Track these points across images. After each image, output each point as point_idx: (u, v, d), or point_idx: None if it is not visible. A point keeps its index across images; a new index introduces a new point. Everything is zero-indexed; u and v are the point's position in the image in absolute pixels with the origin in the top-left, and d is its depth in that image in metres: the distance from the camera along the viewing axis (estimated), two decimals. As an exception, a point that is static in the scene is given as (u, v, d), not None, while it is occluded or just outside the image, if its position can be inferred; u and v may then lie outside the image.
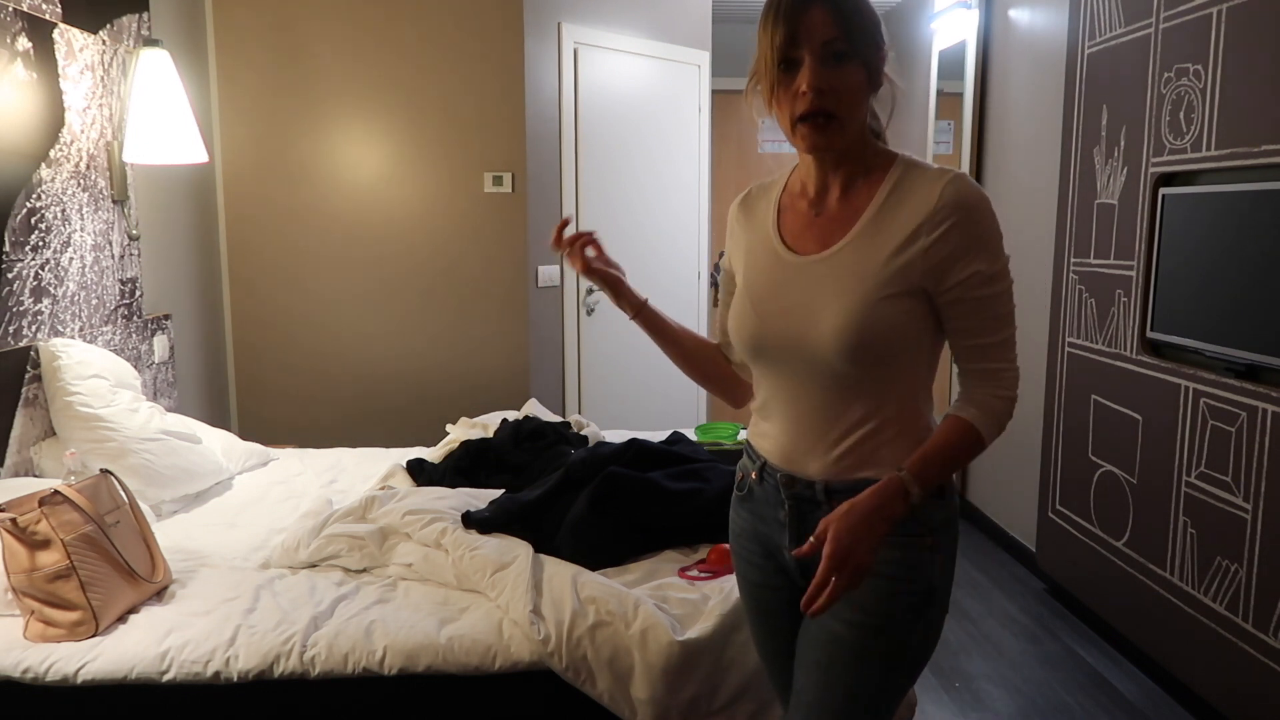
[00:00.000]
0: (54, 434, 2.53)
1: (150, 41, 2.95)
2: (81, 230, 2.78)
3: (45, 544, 1.84)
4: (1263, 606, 2.20)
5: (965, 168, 3.99)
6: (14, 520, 1.83)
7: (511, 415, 3.11)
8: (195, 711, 1.78)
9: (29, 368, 2.50)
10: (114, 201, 2.95)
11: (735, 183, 5.76)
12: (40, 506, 1.85)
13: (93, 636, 1.83)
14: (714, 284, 5.60)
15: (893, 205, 1.24)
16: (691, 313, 4.70)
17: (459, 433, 3.06)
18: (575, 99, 4.02)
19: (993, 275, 1.22)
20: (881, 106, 1.30)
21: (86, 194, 2.81)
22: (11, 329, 2.47)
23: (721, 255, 5.99)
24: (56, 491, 1.90)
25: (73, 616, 1.82)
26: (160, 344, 3.24)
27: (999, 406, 1.25)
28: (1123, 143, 2.78)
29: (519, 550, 2.03)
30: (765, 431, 1.36)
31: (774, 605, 1.42)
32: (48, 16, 2.62)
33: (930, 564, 1.26)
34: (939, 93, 4.37)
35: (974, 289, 1.21)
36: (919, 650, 1.30)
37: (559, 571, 1.96)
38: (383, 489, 2.46)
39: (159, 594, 2.01)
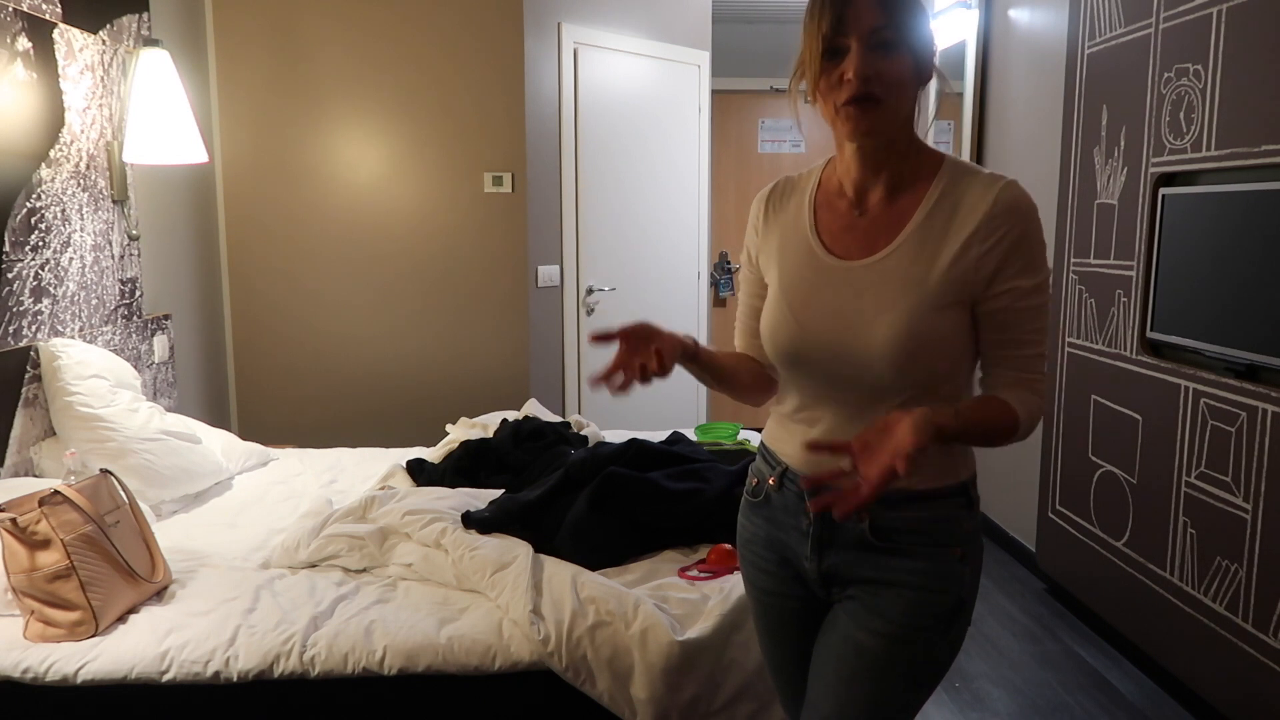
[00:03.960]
0: (54, 434, 2.53)
1: (150, 41, 2.95)
2: (81, 230, 2.78)
3: (45, 544, 1.84)
4: (1263, 606, 2.20)
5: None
6: (14, 520, 1.83)
7: (511, 415, 3.11)
8: (195, 711, 1.78)
9: (29, 368, 2.50)
10: (114, 201, 2.95)
11: (735, 183, 5.75)
12: (40, 506, 1.85)
13: (93, 636, 1.83)
14: (713, 284, 5.59)
15: (943, 210, 1.20)
16: (691, 313, 4.69)
17: (459, 433, 3.06)
18: (575, 99, 4.02)
19: (1038, 286, 1.19)
20: (927, 101, 1.26)
21: (86, 194, 2.81)
22: (11, 329, 2.47)
23: (723, 255, 5.93)
24: (56, 491, 1.90)
25: (73, 616, 1.82)
26: (160, 344, 3.24)
27: (1036, 413, 1.21)
28: (1123, 143, 2.78)
29: (519, 550, 2.03)
30: (789, 436, 1.32)
31: (787, 614, 1.38)
32: (48, 16, 2.61)
33: (959, 576, 1.23)
34: (939, 92, 4.37)
35: (1020, 299, 1.18)
36: (943, 663, 1.26)
37: (559, 571, 1.96)
38: (383, 489, 2.46)
39: (159, 594, 2.01)
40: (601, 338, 1.24)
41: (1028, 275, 1.18)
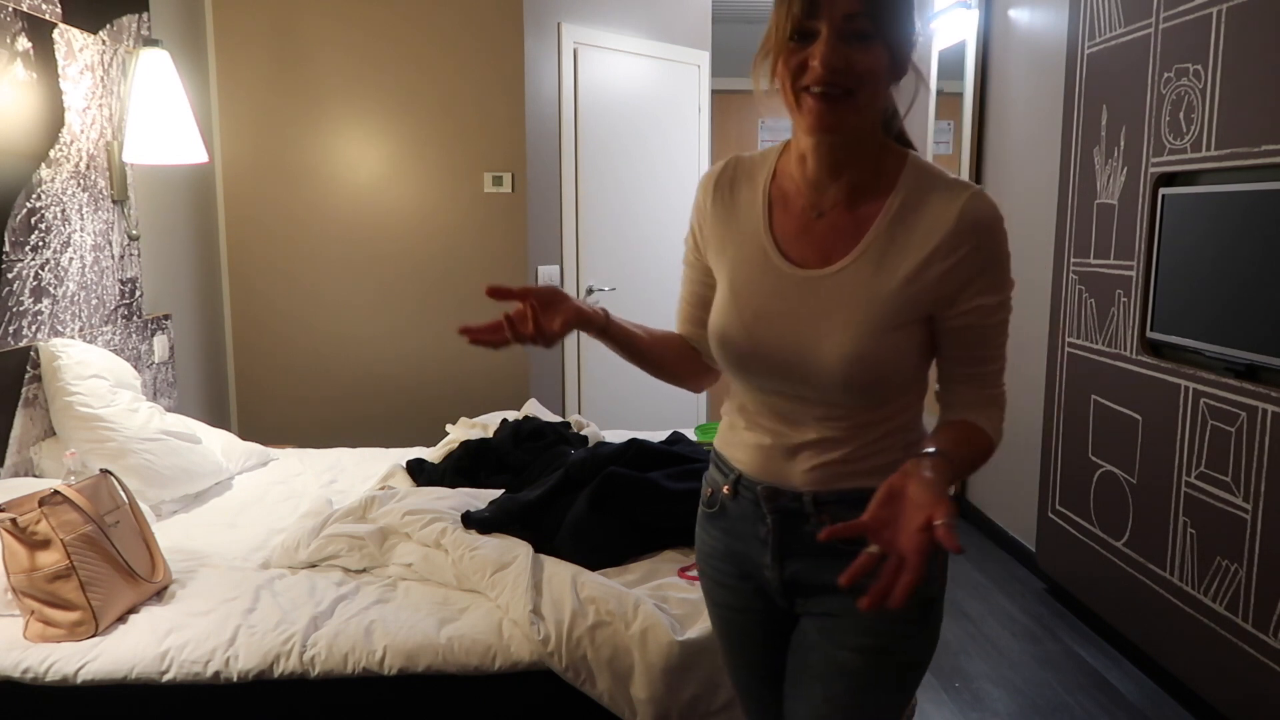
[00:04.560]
0: (54, 434, 2.53)
1: (150, 41, 2.95)
2: (81, 230, 2.78)
3: (45, 544, 1.84)
4: (1263, 606, 2.20)
5: (965, 168, 3.99)
6: (14, 520, 1.83)
7: (511, 415, 3.11)
8: (195, 711, 1.78)
9: (29, 368, 2.50)
10: (114, 201, 2.95)
11: (735, 183, 5.75)
12: (40, 506, 1.85)
13: (93, 636, 1.83)
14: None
15: (905, 218, 1.13)
16: (691, 313, 4.68)
17: (459, 433, 3.06)
18: (575, 99, 4.02)
19: (1002, 303, 1.15)
20: (901, 100, 1.16)
21: (86, 194, 2.81)
22: (11, 329, 2.47)
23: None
24: (56, 491, 1.90)
25: (73, 616, 1.82)
26: (160, 344, 3.24)
27: (1001, 428, 1.19)
28: (1123, 143, 2.78)
29: (519, 550, 2.03)
30: (742, 442, 1.26)
31: (750, 629, 1.33)
32: (48, 16, 2.61)
33: (928, 573, 1.21)
34: (938, 93, 4.37)
35: (985, 316, 1.14)
36: (925, 659, 1.25)
37: (559, 571, 1.96)
38: (383, 489, 2.46)
39: (159, 594, 2.01)
40: (500, 292, 1.17)
41: (994, 292, 1.13)
